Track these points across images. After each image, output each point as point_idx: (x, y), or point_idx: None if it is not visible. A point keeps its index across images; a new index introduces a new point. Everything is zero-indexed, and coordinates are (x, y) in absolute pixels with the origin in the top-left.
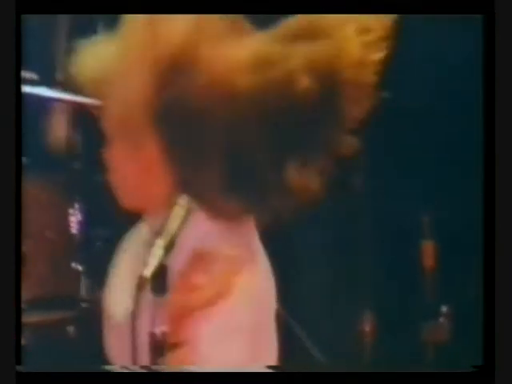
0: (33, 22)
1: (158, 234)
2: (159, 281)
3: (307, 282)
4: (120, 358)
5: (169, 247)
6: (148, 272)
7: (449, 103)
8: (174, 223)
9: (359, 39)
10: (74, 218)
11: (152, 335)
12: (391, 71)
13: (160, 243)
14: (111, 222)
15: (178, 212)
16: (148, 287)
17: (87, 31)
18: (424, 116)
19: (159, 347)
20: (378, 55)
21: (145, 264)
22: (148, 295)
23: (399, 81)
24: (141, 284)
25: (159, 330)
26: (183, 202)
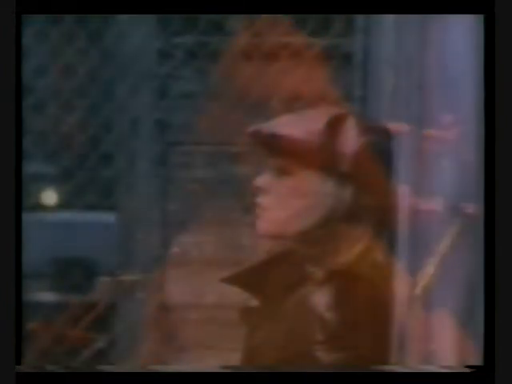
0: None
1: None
2: (428, 298)
3: None
4: None
5: (438, 265)
6: (418, 290)
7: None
8: (445, 242)
9: None
10: None
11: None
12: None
13: (432, 261)
14: None
15: (450, 231)
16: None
17: None
18: None
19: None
20: None
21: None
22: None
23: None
24: (411, 301)
25: (429, 347)
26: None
